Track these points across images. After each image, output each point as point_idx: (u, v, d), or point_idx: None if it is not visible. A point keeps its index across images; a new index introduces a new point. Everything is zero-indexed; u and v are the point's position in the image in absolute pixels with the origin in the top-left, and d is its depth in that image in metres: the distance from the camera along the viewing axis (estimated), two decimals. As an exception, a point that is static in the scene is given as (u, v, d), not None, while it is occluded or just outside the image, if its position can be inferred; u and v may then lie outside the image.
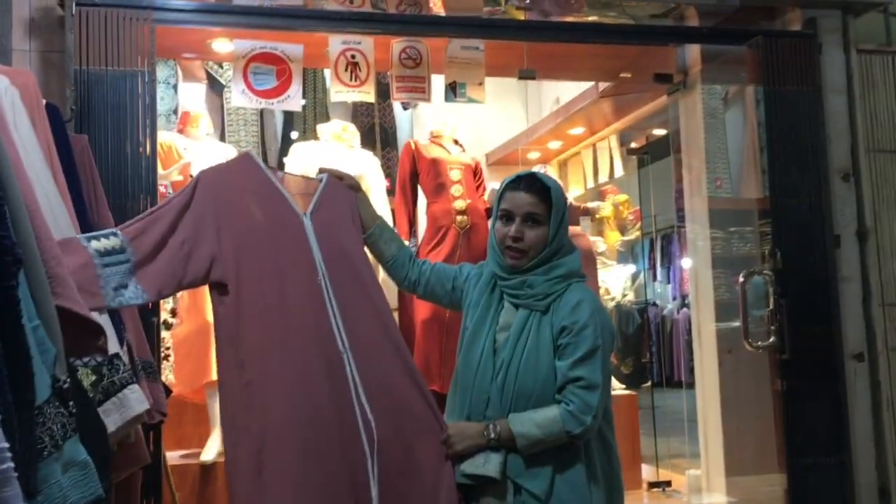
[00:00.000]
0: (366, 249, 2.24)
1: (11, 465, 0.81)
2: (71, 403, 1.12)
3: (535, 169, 5.83)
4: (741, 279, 3.64)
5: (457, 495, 1.95)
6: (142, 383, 1.97)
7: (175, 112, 5.64)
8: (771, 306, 3.59)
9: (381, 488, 1.85)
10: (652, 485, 5.46)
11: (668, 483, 5.53)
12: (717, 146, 5.06)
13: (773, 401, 3.73)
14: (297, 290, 1.94)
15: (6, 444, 0.80)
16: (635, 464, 5.49)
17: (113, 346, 1.64)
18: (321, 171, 2.25)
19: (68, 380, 1.13)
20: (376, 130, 6.37)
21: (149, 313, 2.96)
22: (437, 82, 4.32)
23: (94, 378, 1.28)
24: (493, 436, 1.88)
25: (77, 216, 1.59)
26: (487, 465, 1.90)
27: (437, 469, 1.94)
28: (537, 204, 1.96)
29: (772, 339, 3.59)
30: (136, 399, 1.29)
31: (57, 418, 1.06)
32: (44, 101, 1.70)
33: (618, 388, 5.84)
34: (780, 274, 3.65)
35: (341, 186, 2.22)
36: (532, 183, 2.00)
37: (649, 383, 6.85)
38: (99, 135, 3.00)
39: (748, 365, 3.94)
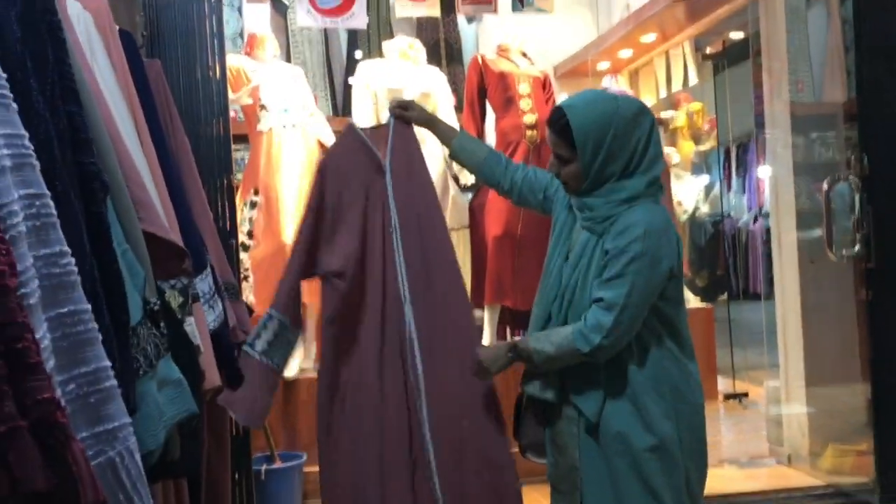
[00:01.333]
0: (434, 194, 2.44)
1: (115, 382, 0.84)
2: (162, 324, 1.16)
3: (605, 81, 5.70)
4: (825, 186, 3.50)
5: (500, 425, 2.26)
6: (225, 303, 2.02)
7: (241, 35, 5.64)
8: (857, 214, 3.46)
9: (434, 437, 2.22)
10: (728, 396, 5.46)
11: (745, 394, 5.52)
12: (798, 48, 4.82)
13: (857, 310, 3.64)
14: (374, 246, 2.27)
15: (108, 363, 0.83)
16: (711, 375, 5.48)
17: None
18: (392, 106, 2.42)
19: (158, 302, 1.17)
20: (441, 46, 6.26)
21: (227, 234, 3.03)
22: (504, -7, 4.21)
23: (181, 300, 1.32)
24: (512, 355, 1.96)
25: (155, 143, 1.61)
26: (546, 390, 1.95)
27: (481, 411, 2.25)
28: (558, 143, 1.88)
29: (857, 248, 3.47)
30: (191, 333, 1.33)
31: (150, 339, 1.10)
32: (117, 27, 1.70)
33: (692, 300, 5.79)
34: (866, 180, 3.50)
35: (407, 129, 2.39)
36: (555, 121, 1.89)
37: (725, 296, 6.75)
38: (169, 60, 3.02)
39: (831, 275, 3.84)
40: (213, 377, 1.49)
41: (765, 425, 4.39)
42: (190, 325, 1.35)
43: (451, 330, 2.28)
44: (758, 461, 4.08)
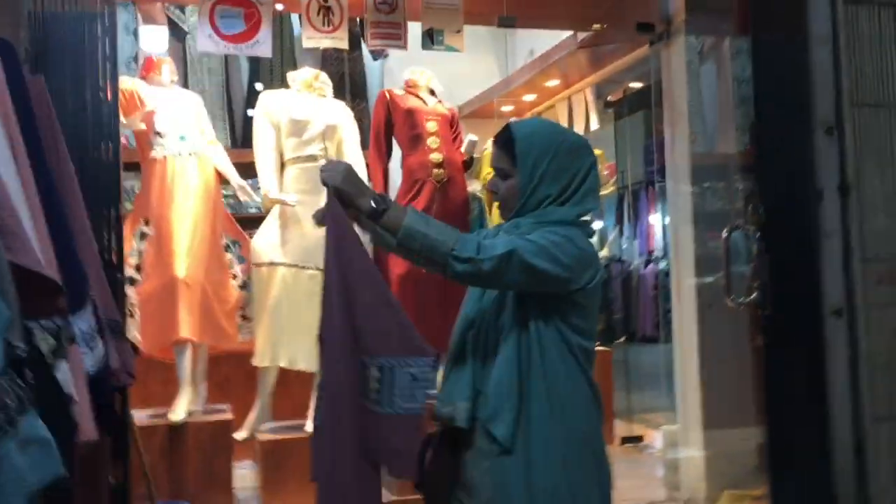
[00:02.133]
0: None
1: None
2: (27, 373, 1.00)
3: (512, 120, 5.73)
4: (724, 234, 3.57)
5: None
6: (108, 344, 1.84)
7: (136, 59, 5.41)
8: (753, 262, 3.53)
9: None
10: (625, 440, 5.49)
11: (641, 438, 5.57)
12: (692, 101, 4.97)
13: (753, 356, 3.70)
14: None
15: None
16: (609, 419, 5.50)
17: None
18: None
19: (25, 347, 1.01)
20: (346, 81, 6.19)
21: (113, 270, 2.82)
22: (412, 30, 4.17)
23: (53, 343, 1.16)
24: (374, 204, 1.68)
25: (34, 165, 1.44)
26: (456, 412, 1.80)
27: None
28: (501, 156, 1.85)
29: (753, 295, 3.54)
30: (63, 381, 1.16)
31: (12, 391, 0.94)
32: (-8, 37, 1.53)
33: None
34: (762, 229, 3.58)
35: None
36: (501, 134, 1.87)
37: (622, 339, 6.85)
38: (56, 79, 2.80)
39: (728, 320, 3.90)
40: (88, 429, 1.32)
41: (662, 470, 4.41)
42: (63, 371, 1.18)
43: None
44: (656, 507, 4.08)
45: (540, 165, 1.80)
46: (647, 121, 6.67)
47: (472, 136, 4.29)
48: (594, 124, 6.01)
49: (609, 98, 6.20)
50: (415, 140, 4.02)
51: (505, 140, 1.84)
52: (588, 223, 1.88)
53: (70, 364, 1.28)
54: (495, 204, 2.05)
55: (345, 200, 1.73)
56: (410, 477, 1.95)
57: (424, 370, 1.90)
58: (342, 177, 1.73)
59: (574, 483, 1.76)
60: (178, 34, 5.86)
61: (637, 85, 5.89)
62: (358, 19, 4.92)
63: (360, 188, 1.73)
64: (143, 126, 3.81)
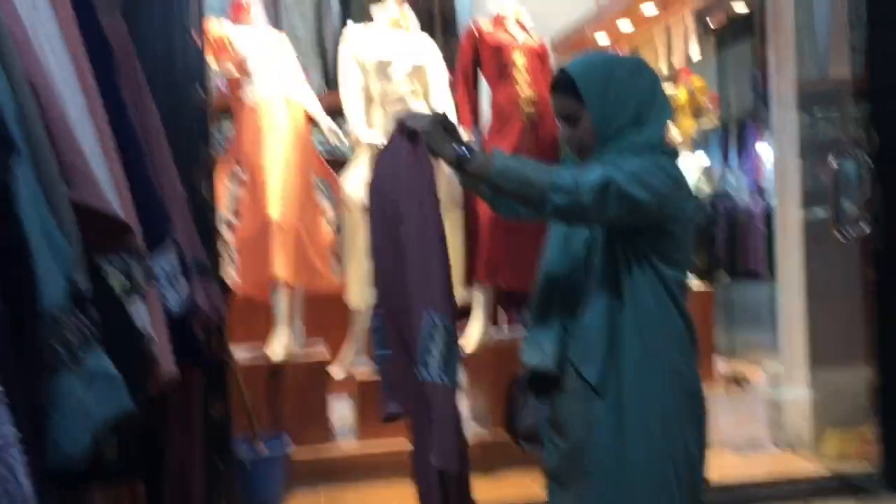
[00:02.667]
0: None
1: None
2: (92, 310, 1.01)
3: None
4: (833, 164, 3.36)
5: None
6: (193, 284, 1.88)
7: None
8: (865, 193, 3.32)
9: None
10: (728, 379, 5.34)
11: (745, 378, 5.40)
12: (802, 23, 4.66)
13: (863, 291, 3.50)
14: None
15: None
16: (709, 358, 5.36)
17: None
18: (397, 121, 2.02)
19: (88, 283, 1.03)
20: (435, 15, 6.08)
21: (205, 211, 2.88)
22: (500, -42, 4.04)
23: (125, 281, 1.17)
24: (459, 150, 1.67)
25: (109, 106, 1.46)
26: (544, 358, 1.78)
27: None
28: (563, 103, 1.77)
29: (864, 228, 3.33)
30: (137, 317, 1.17)
31: (76, 327, 0.96)
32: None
33: (692, 281, 5.65)
34: (876, 158, 3.35)
35: (407, 149, 1.94)
36: (557, 81, 1.77)
37: (726, 278, 6.62)
38: (144, 25, 2.84)
39: (835, 255, 3.71)
40: (168, 366, 1.35)
41: (765, 409, 4.27)
42: (138, 308, 1.20)
43: None
44: (758, 447, 3.97)
45: (607, 94, 1.72)
46: (753, 48, 6.31)
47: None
48: (695, 53, 5.73)
49: (711, 24, 5.88)
50: (503, 75, 3.91)
51: (563, 84, 1.76)
52: (674, 149, 1.79)
53: (147, 302, 1.30)
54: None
55: (430, 149, 1.74)
56: (452, 465, 1.91)
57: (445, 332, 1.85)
58: (427, 123, 1.73)
59: (667, 422, 1.71)
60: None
61: (741, 9, 5.55)
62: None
63: (444, 137, 1.71)
64: (235, 74, 3.85)
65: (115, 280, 1.16)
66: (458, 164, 1.68)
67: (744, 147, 8.43)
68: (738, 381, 5.32)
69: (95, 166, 1.19)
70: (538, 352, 1.81)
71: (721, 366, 5.44)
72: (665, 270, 1.71)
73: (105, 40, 1.64)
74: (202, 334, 1.95)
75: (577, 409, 1.76)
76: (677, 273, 1.74)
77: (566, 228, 1.81)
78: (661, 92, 1.78)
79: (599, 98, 1.71)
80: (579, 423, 1.76)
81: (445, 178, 4.14)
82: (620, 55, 1.84)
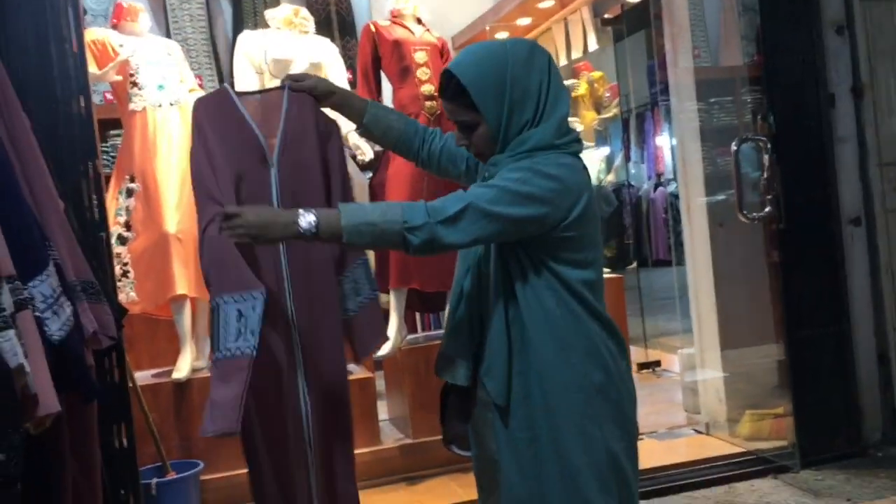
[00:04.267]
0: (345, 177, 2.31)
1: None
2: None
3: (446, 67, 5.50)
4: (734, 147, 3.41)
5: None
6: (81, 305, 1.73)
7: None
8: (765, 174, 3.38)
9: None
10: (642, 366, 5.42)
11: (658, 363, 5.50)
12: (694, 13, 4.77)
13: (769, 272, 3.58)
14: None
15: None
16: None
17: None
18: (284, 81, 2.19)
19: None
20: (333, 18, 5.96)
21: (95, 227, 2.70)
22: (394, -45, 3.97)
23: (-12, 311, 1.04)
24: (305, 225, 1.57)
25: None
26: (456, 373, 1.75)
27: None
28: (456, 109, 1.66)
29: (767, 209, 3.40)
30: (8, 350, 1.05)
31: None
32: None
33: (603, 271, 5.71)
34: (773, 139, 3.43)
35: (305, 102, 2.15)
36: (445, 86, 1.66)
37: (634, 264, 6.74)
38: (16, 32, 2.64)
39: (740, 238, 3.78)
40: (48, 402, 1.21)
41: (680, 394, 4.33)
42: (7, 340, 1.07)
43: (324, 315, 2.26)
44: (676, 431, 4.02)
45: (503, 96, 1.61)
46: (649, 38, 6.44)
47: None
48: (593, 44, 5.78)
49: (607, 16, 5.95)
50: (404, 72, 3.84)
51: (454, 90, 1.64)
52: (576, 140, 1.69)
53: (21, 332, 1.16)
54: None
55: (272, 240, 1.73)
56: (230, 430, 2.05)
57: (252, 305, 1.98)
58: (255, 230, 1.61)
59: (582, 430, 1.64)
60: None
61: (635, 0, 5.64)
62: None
63: (278, 220, 1.63)
64: (118, 77, 3.64)
65: (-24, 311, 1.03)
66: (310, 239, 1.59)
67: (643, 137, 8.63)
68: (652, 368, 5.41)
69: (-53, 184, 1.05)
70: (450, 367, 1.77)
71: (635, 353, 5.52)
72: (567, 273, 1.63)
73: (-39, 45, 1.48)
74: (92, 360, 1.80)
75: (489, 421, 1.72)
76: (584, 273, 1.65)
77: None
78: (557, 77, 1.68)
79: (496, 106, 1.61)
80: (490, 434, 1.73)
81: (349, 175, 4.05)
82: (507, 42, 1.71)
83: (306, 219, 1.56)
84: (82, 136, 2.73)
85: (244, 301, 1.99)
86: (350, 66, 4.99)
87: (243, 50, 3.83)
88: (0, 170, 1.38)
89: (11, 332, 1.09)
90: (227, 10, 6.20)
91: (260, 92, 2.32)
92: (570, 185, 1.61)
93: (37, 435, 1.33)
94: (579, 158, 1.70)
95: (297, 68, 3.79)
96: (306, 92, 2.12)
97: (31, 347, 1.19)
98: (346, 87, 4.04)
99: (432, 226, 1.54)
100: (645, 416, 4.28)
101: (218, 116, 2.15)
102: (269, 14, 3.97)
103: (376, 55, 3.91)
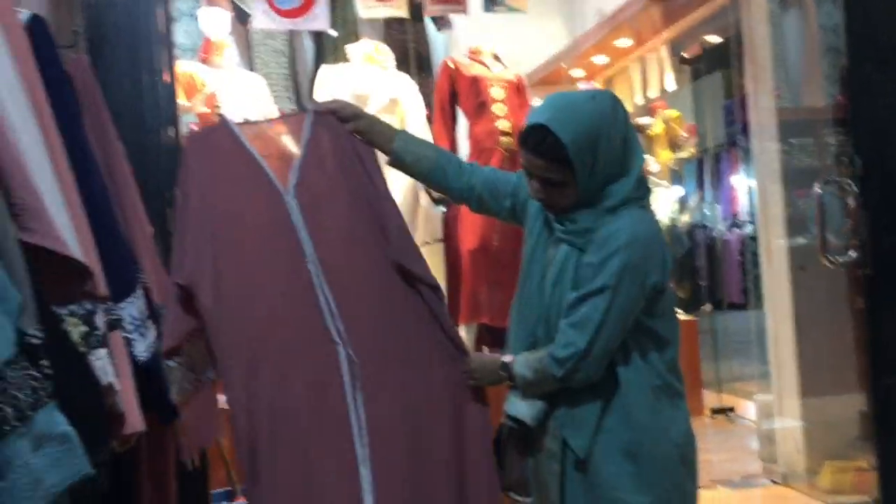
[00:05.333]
0: (392, 197, 1.92)
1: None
2: (45, 363, 0.91)
3: (580, 88, 5.50)
4: (817, 189, 3.32)
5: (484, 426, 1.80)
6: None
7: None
8: (850, 218, 3.28)
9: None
10: (715, 411, 5.27)
11: (732, 409, 5.34)
12: (777, 53, 4.69)
13: (853, 318, 3.46)
14: (280, 285, 1.71)
15: None
16: (696, 390, 5.29)
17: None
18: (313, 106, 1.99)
19: (40, 333, 0.93)
20: (410, 55, 6.06)
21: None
22: (473, -6, 4.02)
23: (85, 329, 1.08)
24: (504, 374, 1.72)
25: (70, 145, 1.37)
26: (525, 410, 1.70)
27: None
28: (550, 168, 1.61)
29: (852, 254, 3.29)
30: (99, 368, 1.08)
31: (24, 382, 0.86)
32: (27, 13, 1.47)
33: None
34: (859, 181, 3.32)
35: (331, 124, 1.86)
36: (539, 142, 1.60)
37: (708, 307, 6.58)
38: (113, 64, 2.77)
39: (822, 282, 3.66)
40: (134, 420, 1.25)
41: (756, 441, 4.20)
42: (99, 358, 1.10)
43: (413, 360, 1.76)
44: (751, 480, 3.89)
45: (595, 156, 1.60)
46: (727, 77, 6.35)
47: (539, 102, 4.11)
48: (670, 84, 5.75)
49: (685, 55, 5.90)
50: (480, 108, 3.87)
51: (548, 147, 1.59)
52: (647, 189, 1.70)
53: (112, 351, 1.20)
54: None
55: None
56: None
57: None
58: (486, 381, 1.77)
59: (651, 481, 1.63)
60: (241, 17, 5.83)
61: (715, 39, 5.59)
62: (418, -12, 4.79)
63: (491, 375, 1.75)
64: (205, 109, 3.78)
65: (75, 329, 1.07)
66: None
67: (719, 178, 8.48)
68: (726, 413, 5.25)
69: (53, 207, 1.10)
70: (521, 404, 1.72)
71: (708, 398, 5.37)
72: (654, 323, 1.65)
73: (65, 76, 1.56)
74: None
75: (555, 472, 1.69)
76: (668, 323, 1.68)
77: (541, 268, 1.73)
78: (633, 129, 1.70)
79: (590, 166, 1.60)
80: (555, 485, 1.69)
81: (422, 212, 4.08)
82: (594, 94, 1.69)
83: (505, 369, 1.72)
84: (169, 164, 2.83)
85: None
86: (426, 102, 5.07)
87: (324, 84, 3.92)
88: (98, 196, 1.43)
89: (104, 352, 1.13)
90: (308, 46, 6.37)
91: (271, 119, 2.11)
92: (660, 242, 1.67)
93: (117, 454, 1.36)
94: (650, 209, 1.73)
95: (375, 103, 3.86)
96: (331, 114, 1.88)
97: (120, 367, 1.22)
98: (424, 121, 4.11)
99: (579, 371, 1.61)
100: (719, 463, 4.16)
101: (210, 152, 1.82)
102: (350, 49, 4.06)
103: (453, 91, 3.96)
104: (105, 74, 2.74)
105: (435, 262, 3.81)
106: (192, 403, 1.77)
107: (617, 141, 1.63)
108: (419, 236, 3.85)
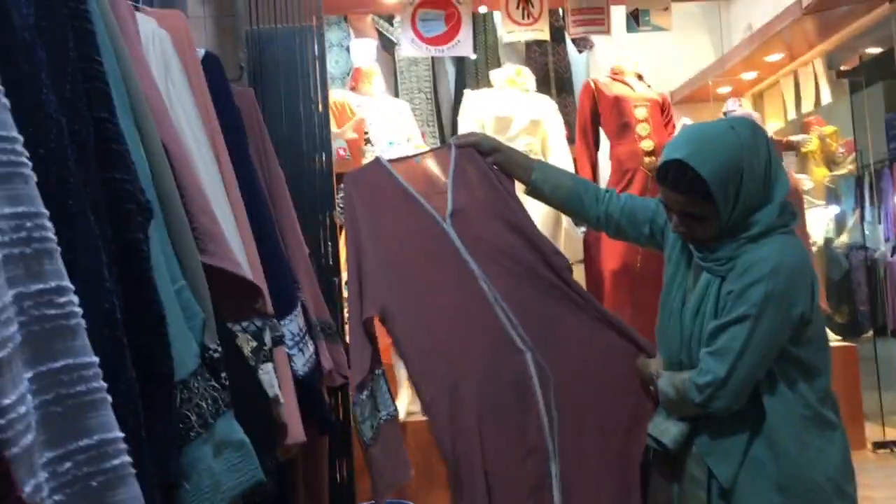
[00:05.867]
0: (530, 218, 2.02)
1: (127, 459, 0.66)
2: (223, 375, 0.99)
3: (728, 104, 5.34)
4: None
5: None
6: (320, 344, 1.87)
7: (350, 74, 5.64)
8: None
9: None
10: (878, 445, 4.95)
11: (896, 443, 4.99)
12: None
13: None
14: (459, 304, 1.84)
15: (118, 433, 0.66)
16: (857, 422, 4.98)
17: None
18: (450, 141, 2.05)
19: (219, 348, 1.01)
20: (551, 76, 6.07)
21: (329, 272, 2.91)
22: (616, 14, 4.00)
23: (255, 344, 1.16)
24: (653, 381, 1.74)
25: (239, 171, 1.48)
26: (666, 431, 1.67)
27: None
28: (691, 203, 1.58)
29: None
30: (267, 382, 1.15)
31: (207, 392, 0.93)
32: (202, 51, 1.60)
33: (833, 339, 5.31)
34: None
35: (473, 156, 1.97)
36: (679, 178, 1.57)
37: (869, 333, 6.19)
38: (272, 94, 2.95)
39: None
40: (296, 431, 1.32)
41: (925, 480, 3.90)
42: (267, 372, 1.18)
43: (592, 374, 1.85)
44: (920, 522, 3.61)
45: (739, 189, 1.56)
46: (889, 90, 5.99)
47: (686, 120, 4.03)
48: (826, 97, 5.47)
49: (842, 67, 5.61)
50: (623, 128, 3.83)
51: (689, 183, 1.56)
52: (793, 214, 1.63)
53: (276, 366, 1.28)
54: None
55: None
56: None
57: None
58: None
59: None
60: (387, 46, 6.03)
61: (875, 50, 5.29)
62: (560, 10, 4.81)
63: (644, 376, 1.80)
64: (354, 135, 3.93)
65: (246, 344, 1.15)
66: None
67: (880, 196, 7.98)
68: (891, 447, 4.91)
69: (227, 231, 1.19)
70: (663, 424, 1.69)
71: (870, 430, 5.04)
72: (803, 352, 1.60)
73: (235, 108, 1.68)
74: (328, 396, 1.93)
75: (701, 499, 1.64)
76: (813, 350, 1.61)
77: (681, 294, 1.70)
78: (776, 155, 1.63)
79: (733, 199, 1.57)
80: None
81: (563, 233, 4.07)
82: (733, 124, 1.64)
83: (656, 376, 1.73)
84: (323, 188, 2.97)
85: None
86: (567, 123, 5.06)
87: (468, 108, 4.00)
88: (264, 220, 1.53)
89: (270, 366, 1.21)
90: (450, 72, 6.50)
91: (417, 154, 2.12)
92: (808, 269, 1.60)
93: (280, 462, 1.43)
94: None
95: (517, 125, 3.90)
96: (472, 147, 1.98)
97: (283, 380, 1.30)
98: (564, 142, 4.11)
99: (718, 399, 1.57)
100: (882, 500, 3.89)
101: (369, 189, 1.94)
102: (494, 74, 4.13)
103: (595, 111, 3.95)
104: (265, 102, 2.94)
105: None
106: (382, 438, 1.78)
107: (759, 170, 1.58)
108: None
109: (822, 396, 1.60)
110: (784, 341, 1.57)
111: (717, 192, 1.54)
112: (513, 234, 1.93)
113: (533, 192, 1.93)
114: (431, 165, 1.99)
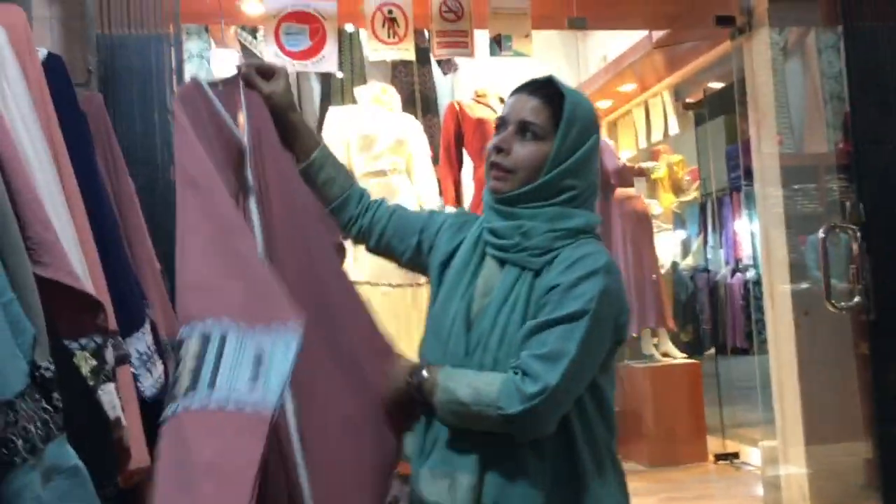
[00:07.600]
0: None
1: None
2: (56, 395, 0.91)
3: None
4: (821, 235, 3.33)
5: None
6: (169, 364, 1.78)
7: (210, 85, 5.47)
8: (854, 263, 3.29)
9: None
10: (719, 457, 5.23)
11: (736, 455, 5.29)
12: (780, 101, 4.74)
13: (857, 365, 3.45)
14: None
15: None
16: (700, 435, 5.25)
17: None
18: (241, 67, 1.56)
19: (52, 366, 0.94)
20: (416, 96, 6.13)
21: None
22: (480, 39, 4.07)
23: (94, 363, 1.08)
24: (414, 381, 1.42)
25: (83, 180, 1.39)
26: (453, 491, 1.36)
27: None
28: (538, 110, 1.41)
29: (856, 299, 3.29)
30: (107, 403, 1.08)
31: (36, 415, 0.86)
32: (44, 51, 1.50)
33: (679, 356, 5.59)
34: (863, 227, 3.34)
35: (261, 105, 1.55)
36: (542, 86, 1.44)
37: (712, 351, 6.55)
38: (124, 102, 2.81)
39: (826, 328, 3.66)
40: (140, 455, 1.24)
41: (759, 488, 4.15)
42: (108, 393, 1.10)
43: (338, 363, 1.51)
44: (756, 528, 3.83)
45: (578, 145, 1.41)
46: (730, 123, 6.41)
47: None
48: (673, 128, 5.80)
49: (688, 100, 5.97)
50: (485, 150, 3.91)
51: (550, 95, 1.42)
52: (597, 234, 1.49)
53: (120, 386, 1.20)
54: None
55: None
56: None
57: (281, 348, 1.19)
58: (390, 392, 1.48)
59: None
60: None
61: (718, 85, 5.66)
62: (426, 32, 4.87)
63: (397, 383, 1.47)
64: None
65: (84, 363, 1.07)
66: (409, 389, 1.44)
67: (721, 222, 8.51)
68: (731, 459, 5.20)
69: (66, 241, 1.11)
70: (445, 482, 1.39)
71: (712, 443, 5.33)
72: (599, 381, 1.42)
73: (80, 112, 1.58)
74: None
75: None
76: (608, 378, 1.45)
77: (468, 294, 1.46)
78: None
79: (571, 144, 1.42)
80: None
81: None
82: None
83: (417, 375, 1.43)
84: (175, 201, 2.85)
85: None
86: (431, 143, 5.12)
87: (332, 125, 3.97)
88: (109, 231, 1.45)
89: (112, 386, 1.13)
90: (316, 88, 6.44)
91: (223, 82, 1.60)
92: (624, 289, 1.44)
93: (121, 489, 1.35)
94: None
95: (382, 144, 3.91)
96: (261, 94, 1.55)
97: (127, 401, 1.22)
98: (429, 162, 4.15)
99: (537, 412, 1.31)
100: (723, 510, 4.12)
101: (196, 112, 1.48)
102: (359, 92, 4.12)
103: (459, 133, 4.02)
104: (115, 109, 2.80)
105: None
106: None
107: (594, 166, 1.48)
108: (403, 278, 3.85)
109: (611, 441, 1.45)
110: (604, 354, 1.40)
111: (566, 117, 1.40)
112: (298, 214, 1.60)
113: (306, 170, 1.59)
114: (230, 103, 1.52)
